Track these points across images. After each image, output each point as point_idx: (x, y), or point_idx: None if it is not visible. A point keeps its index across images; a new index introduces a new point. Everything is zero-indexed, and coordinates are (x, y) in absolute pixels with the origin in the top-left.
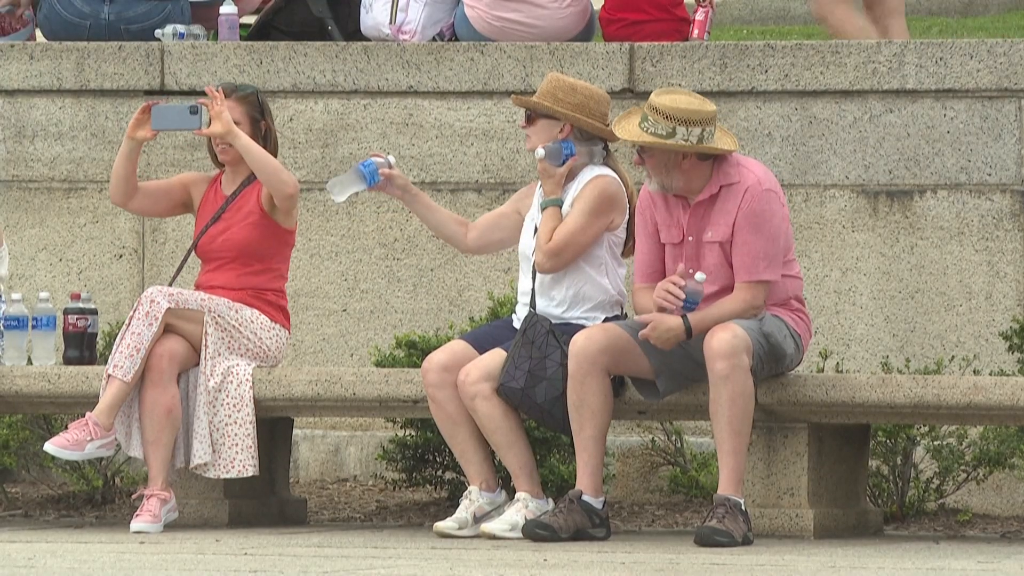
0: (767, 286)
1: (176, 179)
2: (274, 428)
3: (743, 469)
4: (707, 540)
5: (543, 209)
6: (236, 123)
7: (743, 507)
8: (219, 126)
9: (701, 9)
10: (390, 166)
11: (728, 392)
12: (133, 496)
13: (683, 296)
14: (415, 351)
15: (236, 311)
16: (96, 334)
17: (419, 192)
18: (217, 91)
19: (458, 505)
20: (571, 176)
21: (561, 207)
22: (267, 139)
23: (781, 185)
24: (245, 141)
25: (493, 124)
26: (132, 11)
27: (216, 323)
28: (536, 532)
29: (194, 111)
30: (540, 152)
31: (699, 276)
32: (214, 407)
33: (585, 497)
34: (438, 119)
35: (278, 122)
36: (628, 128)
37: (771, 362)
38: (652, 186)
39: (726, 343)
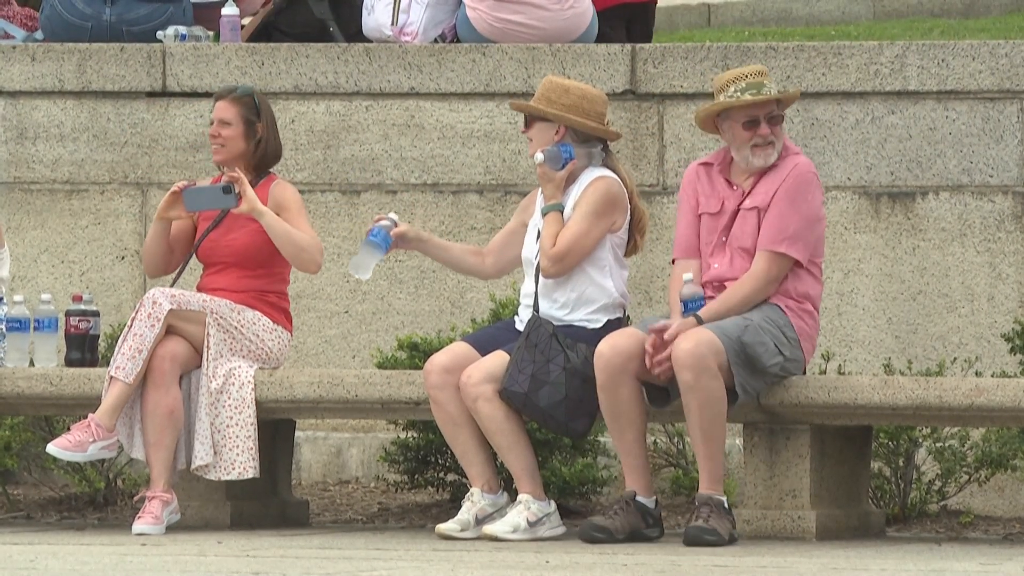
0: (787, 263)
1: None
2: (276, 430)
3: (721, 468)
4: (696, 540)
5: (544, 214)
6: (228, 123)
7: (725, 504)
8: (245, 205)
9: None
10: (395, 224)
11: (696, 401)
12: (135, 498)
13: (654, 352)
14: (417, 353)
15: (238, 312)
16: (98, 336)
17: (431, 236)
18: (235, 172)
19: (460, 507)
20: (571, 179)
21: (562, 211)
22: (259, 142)
23: None
24: (270, 219)
25: (495, 126)
26: (134, 12)
27: (218, 324)
28: (593, 535)
29: (227, 191)
30: (539, 157)
31: (686, 276)
32: (216, 409)
33: (639, 498)
34: (440, 120)
35: (280, 124)
36: (750, 98)
37: (746, 369)
38: (771, 159)
39: (687, 353)
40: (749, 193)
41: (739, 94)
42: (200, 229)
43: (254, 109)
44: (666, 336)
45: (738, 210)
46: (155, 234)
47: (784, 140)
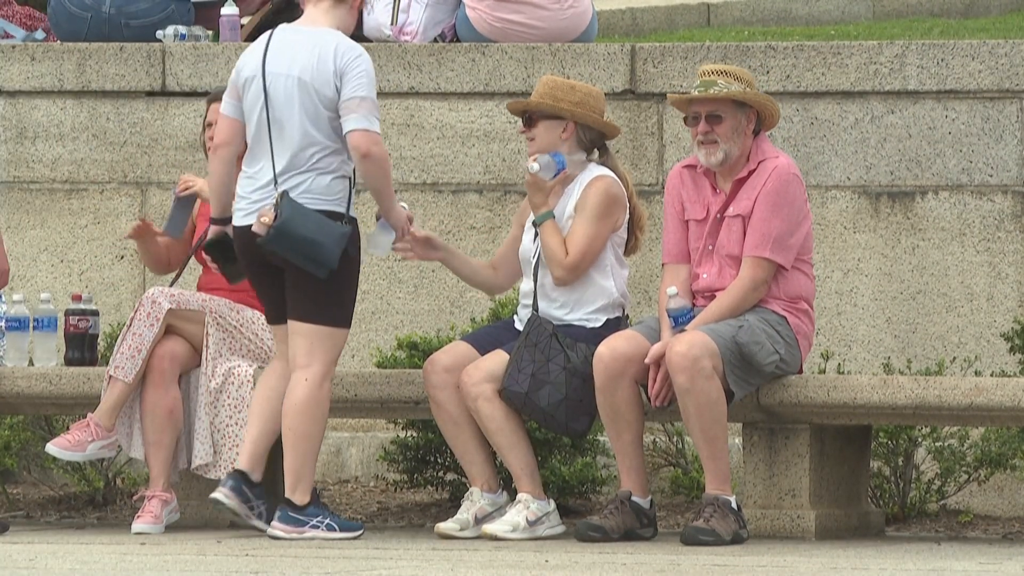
0: (771, 267)
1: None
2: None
3: (727, 467)
4: (691, 540)
5: (539, 224)
6: None
7: (733, 504)
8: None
9: None
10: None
11: (693, 404)
12: (134, 497)
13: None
14: (416, 352)
15: (237, 312)
16: (97, 335)
17: (455, 249)
18: (187, 181)
19: (459, 506)
20: (570, 179)
21: (554, 218)
22: None
23: None
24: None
25: (495, 125)
26: (134, 6)
27: (217, 324)
28: (588, 534)
29: (187, 200)
30: (534, 167)
31: (670, 291)
32: (215, 408)
33: (634, 498)
34: (439, 120)
35: None
36: (677, 96)
37: (741, 370)
38: (714, 159)
39: (680, 356)
40: (731, 200)
41: (693, 90)
42: (200, 229)
43: None
44: (647, 361)
45: (722, 217)
46: (141, 250)
47: (762, 144)
